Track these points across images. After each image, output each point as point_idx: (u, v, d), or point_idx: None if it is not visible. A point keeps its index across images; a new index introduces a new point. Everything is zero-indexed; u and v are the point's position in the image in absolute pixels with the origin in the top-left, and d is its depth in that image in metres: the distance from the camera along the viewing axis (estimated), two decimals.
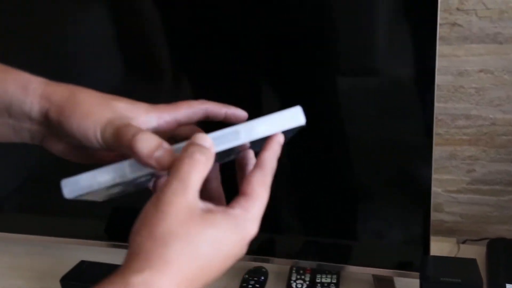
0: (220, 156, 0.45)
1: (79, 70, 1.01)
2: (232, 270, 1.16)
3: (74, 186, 0.43)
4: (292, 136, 0.50)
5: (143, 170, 0.43)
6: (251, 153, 0.49)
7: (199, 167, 0.40)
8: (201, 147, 0.40)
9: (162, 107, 0.46)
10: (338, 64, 0.89)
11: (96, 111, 0.44)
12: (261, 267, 1.12)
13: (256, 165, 0.43)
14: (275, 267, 1.12)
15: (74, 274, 1.10)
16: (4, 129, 0.46)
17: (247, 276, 1.10)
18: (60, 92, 0.44)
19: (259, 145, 0.46)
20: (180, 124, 0.47)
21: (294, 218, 1.06)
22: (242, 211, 0.41)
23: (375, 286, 1.04)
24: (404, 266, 0.99)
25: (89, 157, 0.48)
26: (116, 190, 0.46)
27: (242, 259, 1.17)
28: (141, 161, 0.42)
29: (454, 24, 1.00)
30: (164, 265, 0.37)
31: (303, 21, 0.86)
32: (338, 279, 1.05)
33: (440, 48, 0.98)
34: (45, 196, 1.13)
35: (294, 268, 1.09)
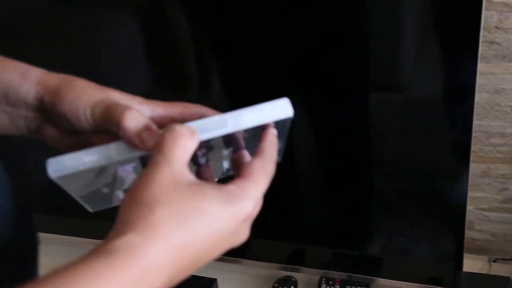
0: (209, 148, 0.44)
1: (107, 79, 1.04)
2: (261, 279, 1.18)
3: (59, 165, 0.42)
4: (287, 136, 0.48)
5: (129, 152, 0.42)
6: (246, 154, 0.47)
7: (182, 141, 0.38)
8: (184, 126, 0.40)
9: (157, 102, 0.46)
10: (375, 80, 0.90)
11: (89, 92, 0.44)
12: (291, 277, 1.13)
13: (255, 154, 0.42)
14: (304, 277, 1.13)
15: None
16: (2, 117, 0.46)
17: (276, 285, 1.11)
18: (57, 79, 0.45)
19: (253, 146, 0.45)
20: (172, 122, 0.45)
21: (325, 230, 1.07)
22: (235, 187, 0.38)
23: None
24: (435, 281, 0.99)
25: (81, 145, 0.47)
26: (101, 183, 0.45)
27: (272, 268, 1.18)
28: (127, 139, 0.41)
29: (492, 42, 1.00)
30: (149, 228, 0.35)
31: (340, 32, 0.88)
32: None
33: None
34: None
35: (324, 279, 1.10)
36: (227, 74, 1.00)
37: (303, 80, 0.94)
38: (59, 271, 0.32)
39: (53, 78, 0.45)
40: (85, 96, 0.44)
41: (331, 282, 1.09)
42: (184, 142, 0.38)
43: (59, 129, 0.47)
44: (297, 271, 1.10)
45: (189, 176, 0.38)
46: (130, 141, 0.41)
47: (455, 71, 0.86)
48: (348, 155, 0.95)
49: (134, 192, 0.37)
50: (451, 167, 0.90)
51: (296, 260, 1.09)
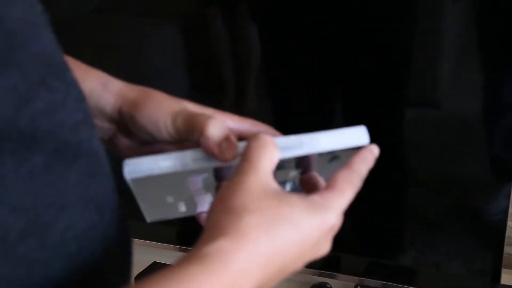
0: (278, 167, 0.43)
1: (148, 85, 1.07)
2: (296, 285, 1.20)
3: (135, 166, 0.43)
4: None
5: (205, 162, 0.43)
6: (317, 175, 0.47)
7: (268, 150, 0.39)
8: (269, 136, 0.40)
9: (229, 114, 0.47)
10: (417, 96, 0.91)
11: (167, 103, 0.45)
12: (326, 283, 1.15)
13: (344, 167, 0.42)
14: (339, 284, 1.15)
15: (147, 274, 1.16)
16: None
17: None
18: (135, 90, 0.47)
19: (324, 170, 0.46)
20: (240, 137, 0.46)
21: (362, 239, 1.09)
22: (321, 198, 0.38)
23: None
24: None
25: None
26: (168, 191, 0.46)
27: (307, 273, 1.19)
28: (207, 148, 0.42)
29: None
30: (238, 235, 0.35)
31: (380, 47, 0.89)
32: None
33: None
34: (123, 200, 1.20)
35: (359, 286, 1.11)
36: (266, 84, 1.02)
37: (342, 94, 0.96)
38: (156, 277, 0.33)
39: (132, 90, 0.46)
40: (164, 107, 0.45)
41: None
42: (270, 152, 0.39)
43: (133, 139, 0.48)
44: (332, 277, 1.12)
45: (275, 185, 0.38)
46: (210, 151, 0.42)
47: (496, 87, 0.86)
48: (387, 168, 0.96)
49: (223, 199, 0.37)
50: (492, 183, 0.90)
51: (331, 266, 1.11)
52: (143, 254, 1.28)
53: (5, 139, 0.31)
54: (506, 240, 1.18)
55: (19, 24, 0.32)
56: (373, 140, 0.44)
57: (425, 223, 1.01)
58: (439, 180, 0.95)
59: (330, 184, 0.40)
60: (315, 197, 0.38)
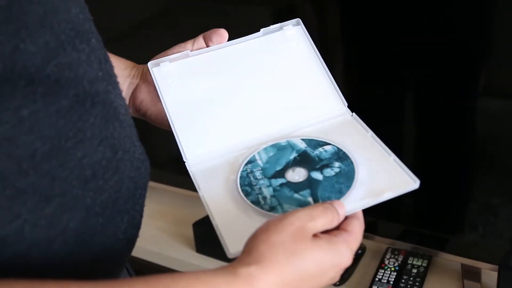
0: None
1: None
2: None
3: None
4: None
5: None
6: None
7: (327, 219, 0.46)
8: (337, 212, 0.47)
9: None
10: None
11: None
12: (361, 243, 1.24)
13: (355, 215, 0.49)
14: (374, 245, 1.25)
15: (204, 221, 1.32)
16: None
17: None
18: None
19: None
20: None
21: (399, 208, 1.16)
22: (343, 242, 0.46)
23: (462, 276, 1.11)
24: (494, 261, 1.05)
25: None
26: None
27: None
28: None
29: None
30: (270, 265, 0.42)
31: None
32: (428, 263, 1.15)
33: None
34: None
35: (390, 248, 1.20)
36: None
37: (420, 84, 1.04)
38: (186, 276, 0.41)
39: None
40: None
41: (396, 252, 1.19)
42: (327, 222, 0.46)
43: (150, 93, 0.66)
44: (367, 238, 1.21)
45: (311, 232, 0.46)
46: None
47: None
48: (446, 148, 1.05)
49: (269, 231, 0.44)
50: None
51: (368, 229, 1.19)
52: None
53: (36, 83, 0.39)
54: None
55: None
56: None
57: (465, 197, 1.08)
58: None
59: (348, 227, 0.48)
60: (339, 241, 0.46)
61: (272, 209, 0.51)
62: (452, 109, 1.01)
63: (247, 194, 0.53)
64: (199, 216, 1.33)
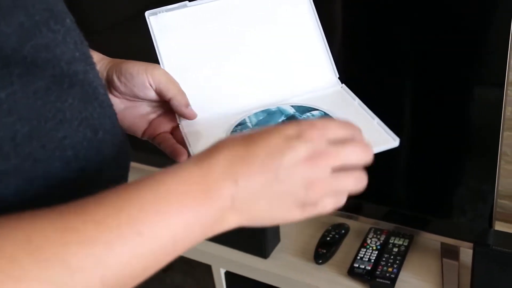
0: None
1: None
2: (318, 223, 1.32)
3: None
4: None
5: None
6: None
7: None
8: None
9: None
10: None
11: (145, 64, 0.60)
12: (344, 223, 1.28)
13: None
14: (356, 225, 1.28)
15: None
16: None
17: (330, 228, 1.26)
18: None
19: None
20: None
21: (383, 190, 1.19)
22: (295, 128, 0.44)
23: (441, 254, 1.15)
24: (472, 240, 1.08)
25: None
26: None
27: (330, 214, 1.28)
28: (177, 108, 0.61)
29: None
30: (224, 146, 0.42)
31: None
32: (409, 243, 1.18)
33: None
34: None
35: (373, 228, 1.23)
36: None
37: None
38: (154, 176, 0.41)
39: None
40: (143, 64, 0.62)
41: (378, 232, 1.22)
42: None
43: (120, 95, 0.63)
44: (350, 218, 1.23)
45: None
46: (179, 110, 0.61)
47: None
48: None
49: (243, 136, 0.43)
50: None
51: (353, 210, 1.22)
52: None
53: (13, 64, 0.39)
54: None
55: None
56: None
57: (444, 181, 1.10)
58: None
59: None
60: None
61: None
62: (443, 92, 1.02)
63: None
64: None
